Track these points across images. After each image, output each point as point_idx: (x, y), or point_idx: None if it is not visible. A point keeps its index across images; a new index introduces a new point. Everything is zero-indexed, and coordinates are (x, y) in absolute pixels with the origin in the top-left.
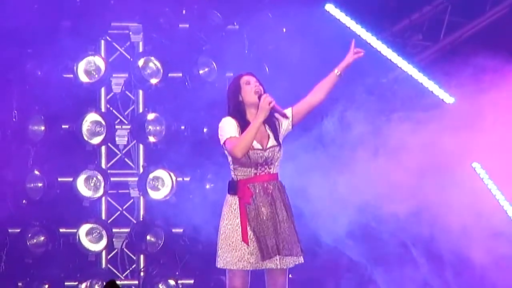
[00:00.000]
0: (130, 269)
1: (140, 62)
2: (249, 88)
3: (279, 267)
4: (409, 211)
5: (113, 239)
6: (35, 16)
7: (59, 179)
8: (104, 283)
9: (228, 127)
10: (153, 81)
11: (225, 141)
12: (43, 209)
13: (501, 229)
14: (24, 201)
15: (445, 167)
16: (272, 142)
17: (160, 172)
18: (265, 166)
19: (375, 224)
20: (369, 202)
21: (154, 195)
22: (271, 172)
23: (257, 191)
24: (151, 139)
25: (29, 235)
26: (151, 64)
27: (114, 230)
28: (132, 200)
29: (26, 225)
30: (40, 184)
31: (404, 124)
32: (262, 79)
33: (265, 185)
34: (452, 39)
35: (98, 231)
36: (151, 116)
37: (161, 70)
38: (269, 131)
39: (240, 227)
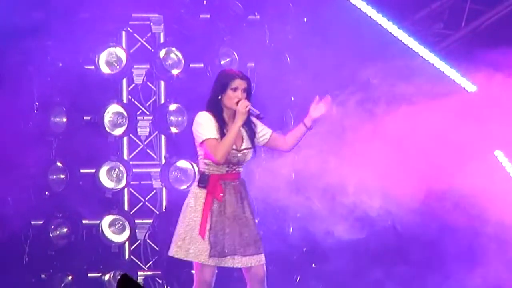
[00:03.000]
0: (153, 260)
1: (162, 53)
2: (232, 95)
3: (233, 265)
4: (431, 199)
5: (136, 230)
6: (55, 7)
7: (81, 171)
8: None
9: (207, 126)
10: (175, 72)
11: (204, 140)
12: (66, 200)
13: None
14: (46, 193)
15: (468, 155)
16: (246, 144)
17: (182, 163)
18: (237, 165)
19: (395, 211)
20: (387, 188)
21: (177, 185)
22: (240, 171)
23: (227, 188)
24: (173, 129)
25: (52, 227)
26: (172, 55)
27: (137, 221)
28: (154, 191)
29: (49, 217)
30: (62, 176)
31: (427, 113)
32: (283, 70)
33: (236, 182)
34: (473, 27)
35: (121, 222)
36: (172, 106)
37: (183, 61)
38: (244, 133)
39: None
